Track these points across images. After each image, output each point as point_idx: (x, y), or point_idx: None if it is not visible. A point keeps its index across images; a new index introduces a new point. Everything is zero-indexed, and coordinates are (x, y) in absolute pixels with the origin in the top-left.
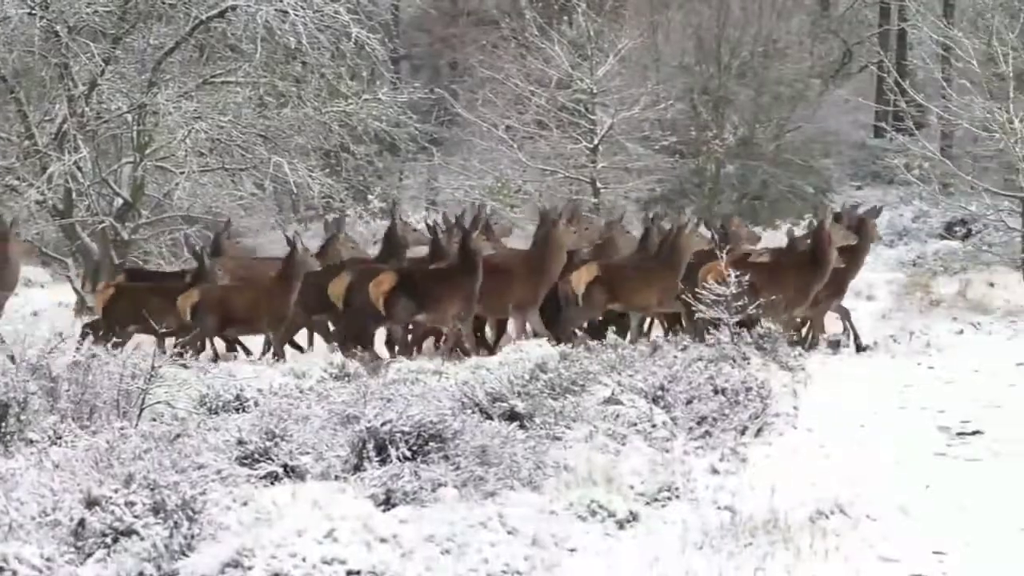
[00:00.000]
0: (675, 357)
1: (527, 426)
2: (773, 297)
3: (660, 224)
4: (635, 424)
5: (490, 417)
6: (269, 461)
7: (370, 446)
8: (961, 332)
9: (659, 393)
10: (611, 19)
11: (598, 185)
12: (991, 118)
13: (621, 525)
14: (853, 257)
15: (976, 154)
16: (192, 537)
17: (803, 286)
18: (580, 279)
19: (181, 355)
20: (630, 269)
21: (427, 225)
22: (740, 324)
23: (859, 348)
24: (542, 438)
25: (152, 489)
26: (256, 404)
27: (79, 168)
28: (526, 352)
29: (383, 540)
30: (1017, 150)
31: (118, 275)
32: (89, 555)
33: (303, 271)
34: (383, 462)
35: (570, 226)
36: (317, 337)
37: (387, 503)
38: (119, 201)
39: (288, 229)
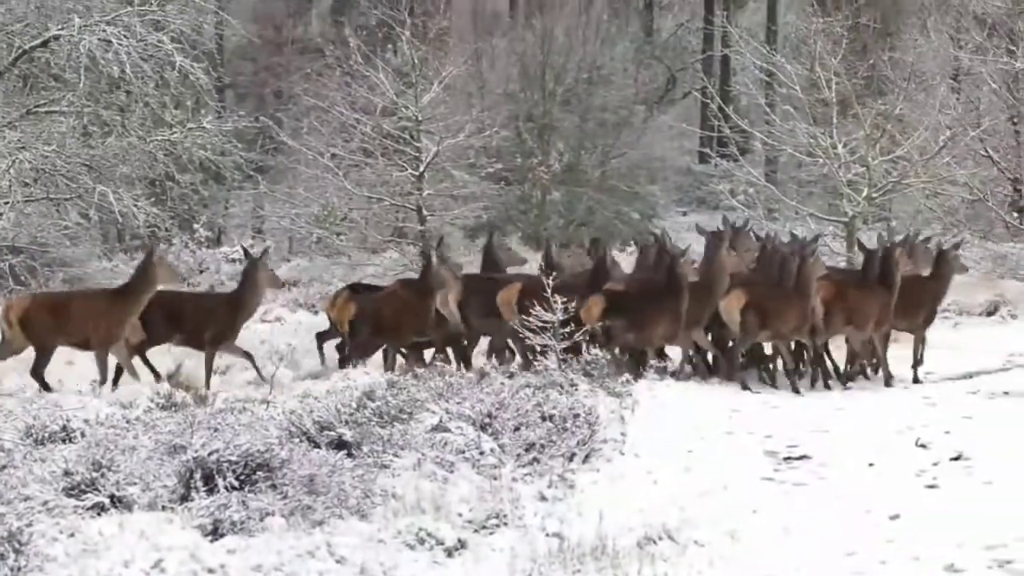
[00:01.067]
0: (502, 384)
1: (355, 454)
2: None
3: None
4: (463, 451)
5: (318, 446)
6: (96, 492)
7: (197, 476)
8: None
9: (487, 420)
10: (435, 47)
11: (424, 212)
12: (815, 143)
13: (449, 553)
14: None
15: (800, 179)
16: (19, 569)
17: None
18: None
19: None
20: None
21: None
22: (567, 351)
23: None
24: (370, 466)
25: None
26: (83, 435)
27: None
28: (353, 380)
29: (211, 570)
30: (841, 175)
31: None
32: None
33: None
34: (211, 492)
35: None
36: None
37: (215, 533)
38: None
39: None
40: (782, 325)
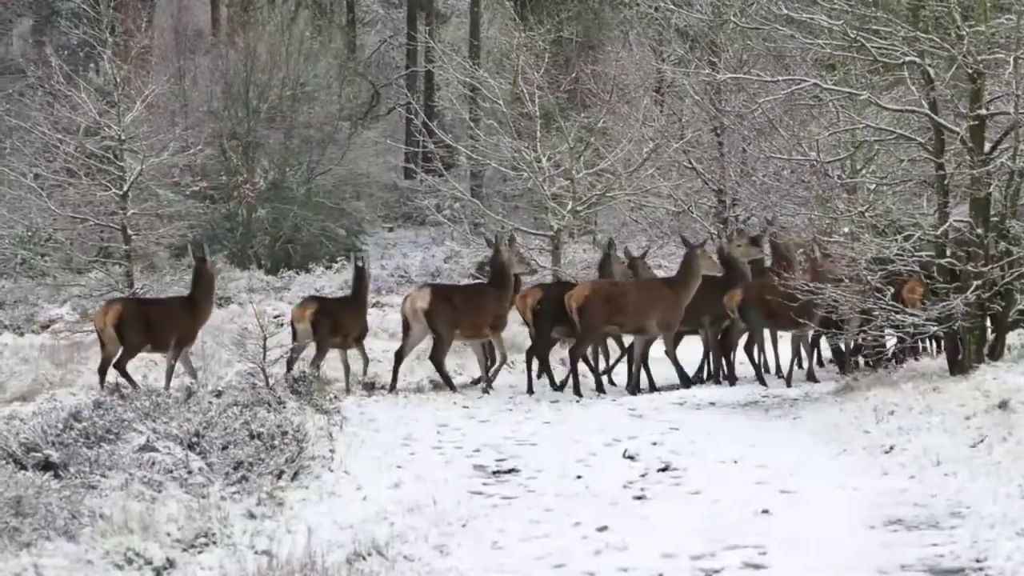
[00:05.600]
0: (210, 403)
1: (62, 475)
2: None
3: None
4: (171, 471)
5: (24, 467)
6: None
7: None
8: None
9: (195, 439)
10: (138, 65)
11: (129, 232)
12: (519, 157)
13: (158, 572)
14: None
15: (506, 193)
16: None
17: None
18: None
19: None
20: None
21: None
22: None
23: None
24: (77, 487)
25: None
26: None
27: None
28: (60, 401)
29: None
30: (545, 188)
31: None
32: None
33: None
34: None
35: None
36: None
37: None
38: None
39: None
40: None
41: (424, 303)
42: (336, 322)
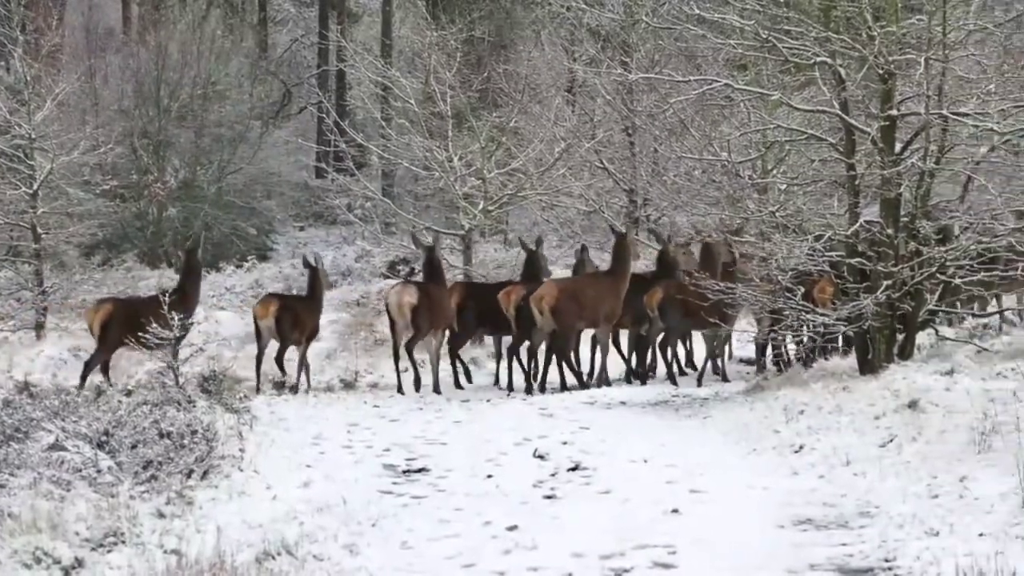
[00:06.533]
0: (120, 402)
1: None
2: None
3: None
4: (80, 470)
5: None
6: None
7: None
8: (406, 370)
9: (104, 438)
10: (48, 63)
11: (39, 231)
12: (431, 156)
13: (67, 572)
14: None
15: (418, 193)
16: None
17: None
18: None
19: None
20: None
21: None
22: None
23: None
24: None
25: None
26: None
27: None
28: None
29: None
30: (457, 188)
31: None
32: None
33: None
34: None
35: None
36: None
37: None
38: None
39: None
40: None
41: (412, 298)
42: (296, 319)
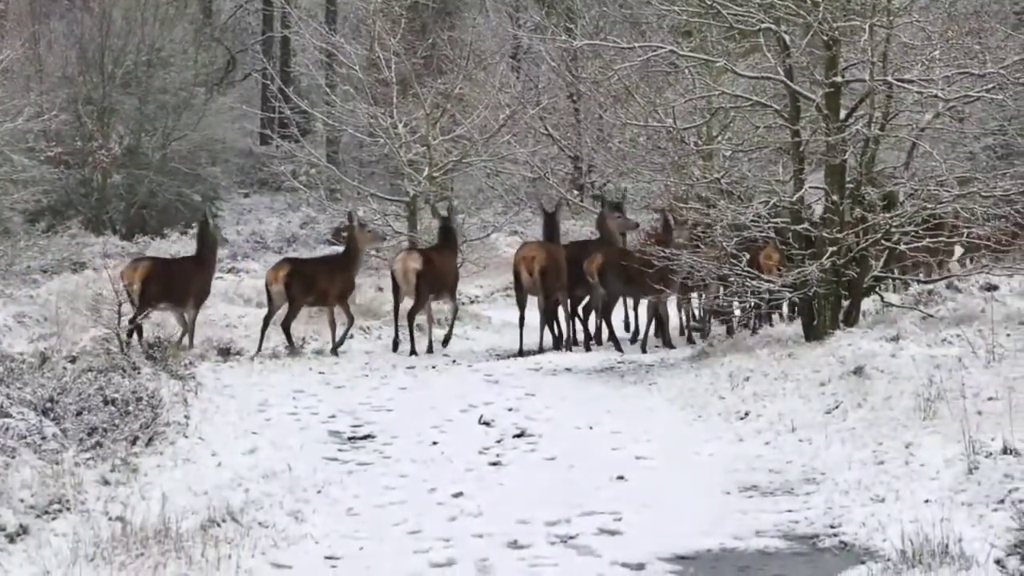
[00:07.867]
0: (64, 368)
1: None
2: None
3: None
4: (25, 437)
5: None
6: None
7: None
8: (352, 336)
9: (49, 405)
10: None
11: None
12: (375, 123)
13: (12, 539)
14: None
15: (362, 159)
16: None
17: None
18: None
19: None
20: None
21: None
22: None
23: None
24: None
25: None
26: None
27: None
28: None
29: None
30: (402, 155)
31: None
32: None
33: None
34: None
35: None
36: None
37: None
38: None
39: None
40: None
41: (417, 264)
42: (309, 282)
